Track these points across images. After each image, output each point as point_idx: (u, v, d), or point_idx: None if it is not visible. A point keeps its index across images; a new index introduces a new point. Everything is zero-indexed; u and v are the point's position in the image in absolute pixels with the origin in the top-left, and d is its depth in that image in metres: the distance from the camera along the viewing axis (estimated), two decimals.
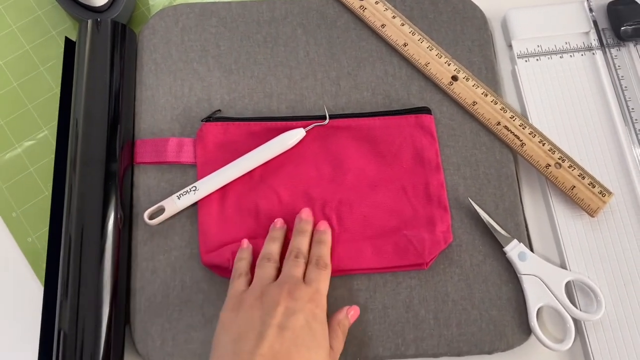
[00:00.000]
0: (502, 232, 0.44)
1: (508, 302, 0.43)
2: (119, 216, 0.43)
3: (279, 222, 0.44)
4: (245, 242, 0.43)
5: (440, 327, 0.42)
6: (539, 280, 0.43)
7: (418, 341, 0.42)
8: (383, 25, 0.50)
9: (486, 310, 0.43)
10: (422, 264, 0.43)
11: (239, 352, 0.35)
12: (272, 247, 0.42)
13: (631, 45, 0.51)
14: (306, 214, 0.44)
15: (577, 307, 0.43)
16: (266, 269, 0.40)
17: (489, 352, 0.42)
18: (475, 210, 0.45)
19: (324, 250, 0.42)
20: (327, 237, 0.43)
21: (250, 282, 0.40)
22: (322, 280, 0.40)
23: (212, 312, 0.42)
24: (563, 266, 0.45)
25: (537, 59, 0.50)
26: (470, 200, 0.45)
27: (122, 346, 0.42)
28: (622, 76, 0.50)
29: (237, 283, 0.40)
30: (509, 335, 0.42)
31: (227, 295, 0.39)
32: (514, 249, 0.44)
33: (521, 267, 0.44)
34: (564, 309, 0.42)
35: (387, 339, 0.42)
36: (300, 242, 0.42)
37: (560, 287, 0.43)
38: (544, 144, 0.47)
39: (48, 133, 0.50)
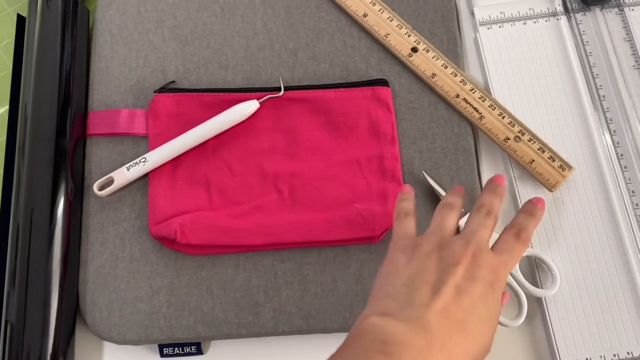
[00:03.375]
0: None
1: None
2: (69, 189, 0.43)
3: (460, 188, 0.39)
4: (408, 187, 0.39)
5: None
6: None
7: None
8: None
9: None
10: (373, 238, 0.43)
11: (412, 301, 0.31)
12: (454, 198, 0.37)
13: (597, 9, 0.49)
14: (502, 180, 0.38)
15: (538, 283, 0.43)
16: (447, 218, 0.36)
17: None
18: (430, 184, 0.44)
19: (532, 225, 0.37)
20: (541, 215, 0.38)
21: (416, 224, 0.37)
22: (515, 256, 0.35)
23: (160, 283, 0.42)
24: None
25: (500, 26, 0.49)
26: (424, 174, 0.44)
27: (74, 317, 0.42)
28: (587, 42, 0.48)
29: (407, 223, 0.37)
30: None
31: (396, 234, 0.36)
32: None
33: None
34: (518, 285, 0.42)
35: (334, 312, 0.42)
36: (493, 200, 0.37)
37: None
38: (503, 117, 0.46)
39: (3, 112, 0.49)
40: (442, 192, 0.43)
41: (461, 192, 0.39)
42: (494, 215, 0.36)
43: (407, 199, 0.38)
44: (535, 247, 0.44)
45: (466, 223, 0.36)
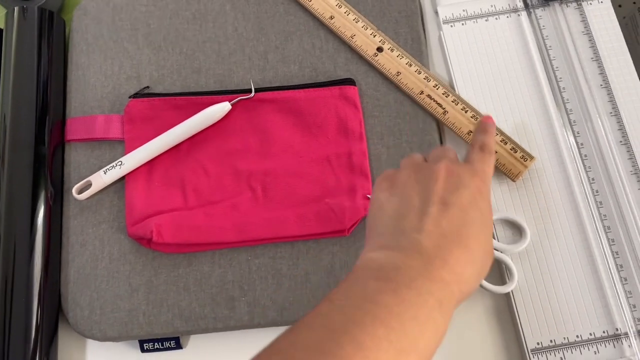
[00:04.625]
0: None
1: None
2: (49, 194, 0.45)
3: None
4: None
5: None
6: None
7: None
8: None
9: None
10: (343, 231, 0.44)
11: (402, 230, 0.31)
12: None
13: (556, 4, 0.51)
14: (490, 118, 0.40)
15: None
16: (412, 155, 0.37)
17: None
18: None
19: (489, 138, 0.38)
20: (493, 129, 0.39)
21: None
22: (488, 164, 0.36)
23: (138, 282, 0.44)
24: None
25: (463, 24, 0.51)
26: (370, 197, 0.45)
27: (56, 317, 0.44)
28: (547, 36, 0.50)
29: (385, 171, 0.38)
30: None
31: (377, 180, 0.37)
32: None
33: None
34: (499, 251, 0.43)
35: (307, 303, 0.43)
36: (484, 138, 0.39)
37: None
38: (466, 111, 0.47)
39: None
40: None
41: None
42: (488, 149, 0.37)
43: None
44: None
45: (431, 153, 0.37)
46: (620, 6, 0.55)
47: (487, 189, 0.34)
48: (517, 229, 0.45)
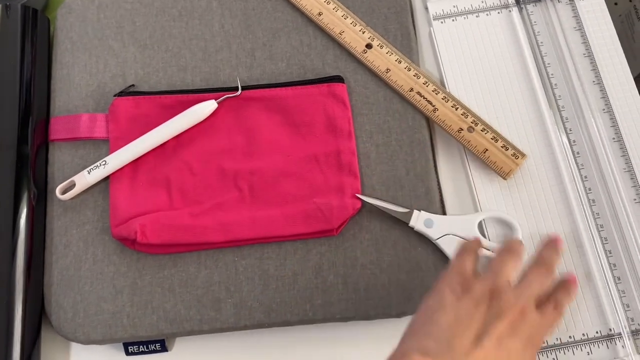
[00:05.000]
0: (400, 209, 0.44)
1: (417, 266, 0.43)
2: (32, 194, 0.44)
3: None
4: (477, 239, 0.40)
5: (348, 291, 0.43)
6: (455, 236, 0.43)
7: (326, 306, 0.42)
8: None
9: (395, 274, 0.43)
10: (331, 231, 0.44)
11: (453, 347, 0.32)
12: (520, 246, 0.38)
13: (548, 0, 0.50)
14: (560, 240, 0.40)
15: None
16: (506, 266, 0.37)
17: (397, 316, 0.43)
18: (387, 176, 0.45)
19: (567, 301, 0.38)
20: (575, 291, 0.39)
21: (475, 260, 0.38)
22: (555, 322, 0.37)
23: (123, 283, 0.43)
24: (481, 230, 0.45)
25: (453, 20, 0.50)
26: (360, 197, 0.44)
27: (39, 320, 0.43)
28: (539, 32, 0.49)
29: (465, 259, 0.37)
30: (417, 298, 0.43)
31: (451, 267, 0.37)
32: (418, 221, 0.43)
33: (432, 233, 0.44)
34: (489, 250, 0.43)
35: (295, 305, 0.42)
36: (553, 256, 0.38)
37: (475, 231, 0.43)
38: (457, 109, 0.47)
39: None
40: (381, 204, 0.44)
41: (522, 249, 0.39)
42: (553, 272, 0.37)
43: (474, 242, 0.39)
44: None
45: (524, 274, 0.37)
46: (616, 4, 0.54)
47: (539, 344, 0.36)
48: (508, 228, 0.44)
